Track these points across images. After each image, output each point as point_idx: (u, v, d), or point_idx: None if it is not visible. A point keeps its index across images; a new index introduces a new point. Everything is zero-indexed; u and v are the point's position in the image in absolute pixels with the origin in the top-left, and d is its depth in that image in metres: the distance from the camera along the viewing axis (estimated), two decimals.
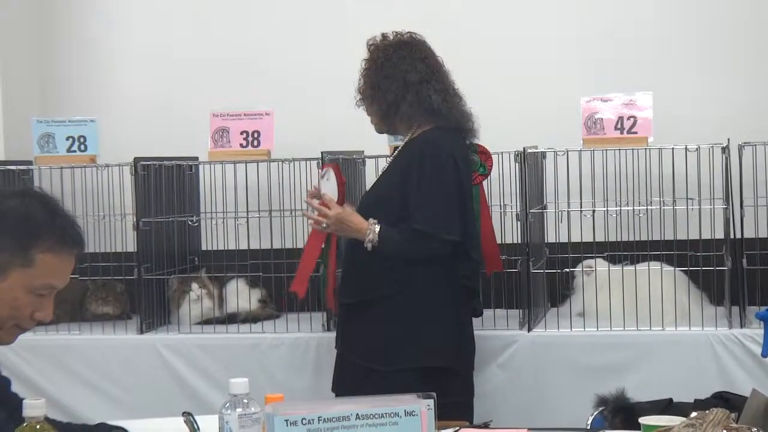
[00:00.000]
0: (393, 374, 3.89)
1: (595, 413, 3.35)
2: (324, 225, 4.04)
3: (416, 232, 3.90)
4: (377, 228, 3.94)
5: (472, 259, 4.06)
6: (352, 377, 4.03)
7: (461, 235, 3.95)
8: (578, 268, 4.76)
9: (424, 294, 3.95)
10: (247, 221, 4.92)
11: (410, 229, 3.92)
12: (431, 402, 2.31)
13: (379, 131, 4.21)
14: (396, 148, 4.20)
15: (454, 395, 3.94)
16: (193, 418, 2.66)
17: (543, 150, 4.70)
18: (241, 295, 4.93)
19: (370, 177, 4.73)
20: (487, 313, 4.41)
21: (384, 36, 4.10)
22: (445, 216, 3.93)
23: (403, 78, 4.01)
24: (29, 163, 5.03)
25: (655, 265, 4.56)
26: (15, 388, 2.68)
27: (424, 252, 3.93)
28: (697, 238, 4.49)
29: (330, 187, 4.07)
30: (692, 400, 3.30)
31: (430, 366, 3.93)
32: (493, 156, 4.28)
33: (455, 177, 3.98)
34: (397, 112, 4.02)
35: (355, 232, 3.99)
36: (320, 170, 4.11)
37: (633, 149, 4.61)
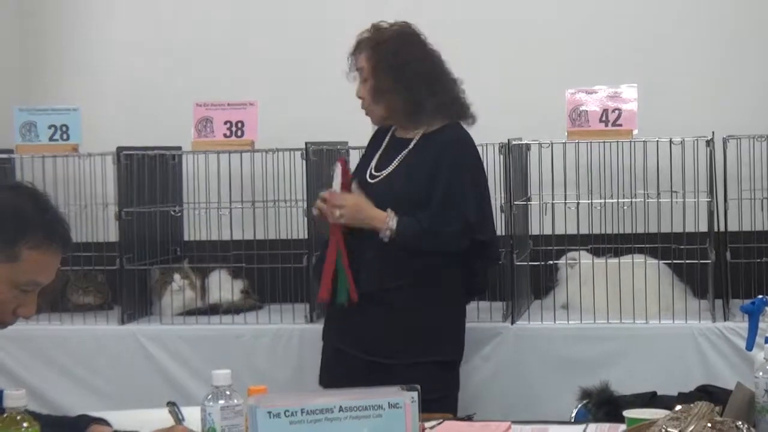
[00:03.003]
0: (400, 368, 3.78)
1: (579, 406, 3.35)
2: (338, 214, 3.82)
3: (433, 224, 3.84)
4: (395, 219, 3.83)
5: (495, 256, 4.10)
6: (350, 371, 3.87)
7: (491, 235, 3.97)
8: (562, 261, 4.74)
9: (437, 286, 3.89)
10: (230, 212, 4.89)
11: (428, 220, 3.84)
12: (415, 394, 2.30)
13: (379, 123, 4.05)
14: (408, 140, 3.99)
15: (452, 389, 3.94)
16: (178, 408, 2.65)
17: (527, 142, 4.69)
18: (223, 286, 4.90)
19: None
20: (471, 305, 4.40)
21: (379, 27, 3.98)
22: (482, 214, 3.91)
23: (427, 73, 3.92)
24: (11, 151, 4.98)
25: (639, 258, 4.56)
26: None
27: (442, 244, 3.85)
28: (681, 231, 4.48)
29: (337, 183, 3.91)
30: (676, 394, 3.30)
31: (437, 360, 3.88)
32: (477, 148, 4.27)
33: (484, 174, 4.02)
34: (424, 108, 3.91)
35: (371, 219, 3.82)
36: (332, 167, 3.95)
37: (617, 142, 4.59)
